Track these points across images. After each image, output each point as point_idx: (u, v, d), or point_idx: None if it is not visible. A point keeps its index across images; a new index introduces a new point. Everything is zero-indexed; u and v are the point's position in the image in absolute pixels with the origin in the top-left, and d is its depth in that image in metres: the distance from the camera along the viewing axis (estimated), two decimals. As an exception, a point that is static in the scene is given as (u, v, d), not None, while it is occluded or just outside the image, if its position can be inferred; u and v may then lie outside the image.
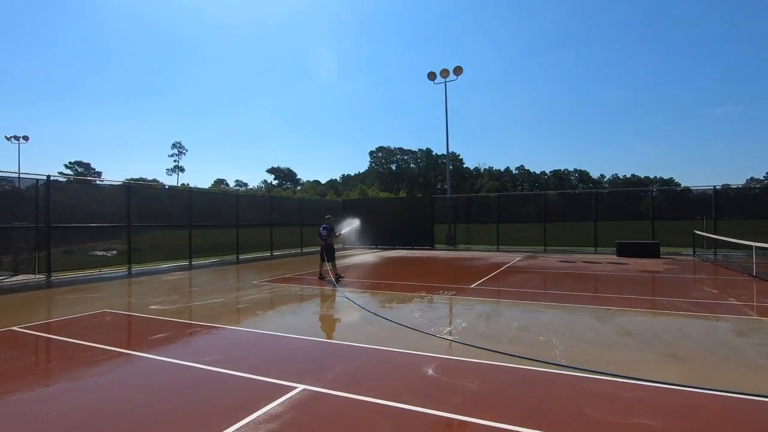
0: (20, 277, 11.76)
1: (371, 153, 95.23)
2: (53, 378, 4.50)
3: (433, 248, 22.57)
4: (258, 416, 3.35)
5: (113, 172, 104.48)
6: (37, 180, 11.57)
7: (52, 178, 11.91)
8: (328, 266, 11.11)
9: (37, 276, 11.67)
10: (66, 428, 3.26)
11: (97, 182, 12.77)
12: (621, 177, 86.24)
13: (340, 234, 12.16)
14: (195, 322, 6.63)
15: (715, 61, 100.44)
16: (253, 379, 4.19)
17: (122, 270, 13.80)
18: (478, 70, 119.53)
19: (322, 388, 3.92)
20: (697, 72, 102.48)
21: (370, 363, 4.67)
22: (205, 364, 4.62)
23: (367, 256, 18.94)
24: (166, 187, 18.50)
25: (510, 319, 6.73)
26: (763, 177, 64.72)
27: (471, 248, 21.88)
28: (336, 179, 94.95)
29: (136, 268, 14.29)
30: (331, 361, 4.73)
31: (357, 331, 6.10)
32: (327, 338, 5.58)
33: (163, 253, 15.89)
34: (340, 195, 70.93)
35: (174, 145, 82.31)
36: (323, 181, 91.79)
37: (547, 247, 20.06)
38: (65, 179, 12.58)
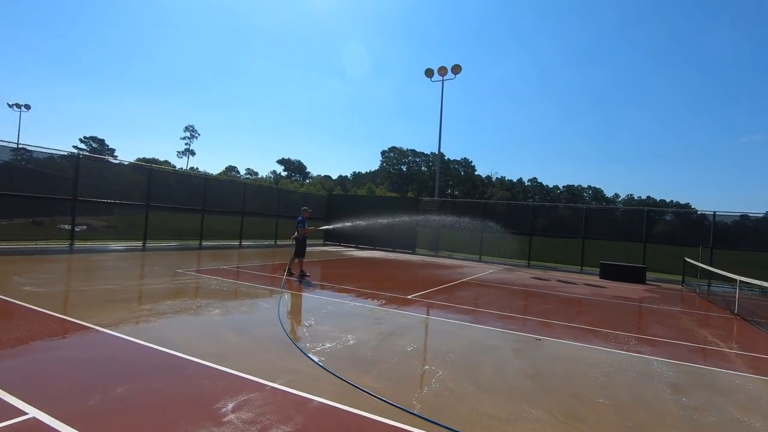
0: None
1: (383, 153, 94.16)
2: None
3: (413, 252, 21.47)
4: None
5: (126, 151, 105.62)
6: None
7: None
8: (296, 261, 10.55)
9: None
10: None
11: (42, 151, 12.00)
12: (636, 198, 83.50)
13: (311, 229, 11.08)
14: (46, 311, 5.69)
15: (743, 89, 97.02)
16: (-6, 395, 3.21)
17: (65, 245, 13.04)
18: (502, 78, 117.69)
19: (56, 419, 2.91)
20: (725, 98, 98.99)
21: (170, 386, 3.64)
22: (-34, 367, 3.66)
23: (338, 255, 17.94)
24: (125, 163, 17.69)
25: (411, 340, 5.63)
26: (786, 209, 61.53)
27: (453, 256, 20.71)
28: (347, 176, 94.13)
29: (82, 245, 13.54)
30: (129, 378, 3.72)
31: (215, 339, 5.07)
32: (164, 346, 4.57)
33: (138, 233, 15.17)
34: (349, 191, 70.14)
35: (187, 128, 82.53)
36: (334, 177, 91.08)
37: (531, 262, 18.77)
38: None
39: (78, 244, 13.36)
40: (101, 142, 78.30)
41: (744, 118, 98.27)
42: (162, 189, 16.23)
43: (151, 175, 15.52)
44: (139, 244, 15.10)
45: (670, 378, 4.83)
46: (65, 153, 13.87)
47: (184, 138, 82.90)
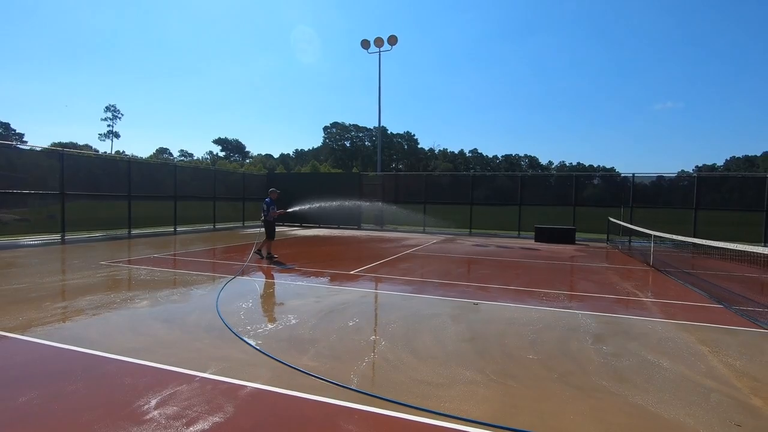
0: None
1: (325, 128, 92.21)
2: None
3: (359, 228, 21.46)
4: None
5: (40, 136, 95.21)
6: None
7: None
8: (268, 242, 10.36)
9: None
10: None
11: None
12: (568, 164, 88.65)
13: (280, 211, 10.73)
14: (-66, 318, 5.03)
15: (660, 60, 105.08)
16: None
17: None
18: (442, 51, 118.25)
19: (-59, 438, 2.57)
20: (646, 66, 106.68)
21: (84, 388, 3.34)
22: None
23: (281, 235, 17.48)
24: (37, 149, 15.88)
25: (352, 315, 5.61)
26: (692, 170, 68.17)
27: (398, 229, 20.95)
28: (289, 154, 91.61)
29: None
30: (34, 384, 3.36)
31: (139, 333, 4.73)
32: (79, 346, 4.20)
33: (58, 225, 13.77)
34: (292, 170, 68.30)
35: (108, 108, 75.63)
36: (276, 155, 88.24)
37: (472, 230, 19.43)
38: None
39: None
40: (6, 126, 70.01)
41: (659, 86, 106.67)
42: (81, 175, 14.80)
43: (63, 159, 14.03)
44: (58, 237, 13.79)
45: (593, 329, 5.20)
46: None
47: (105, 119, 76.11)
